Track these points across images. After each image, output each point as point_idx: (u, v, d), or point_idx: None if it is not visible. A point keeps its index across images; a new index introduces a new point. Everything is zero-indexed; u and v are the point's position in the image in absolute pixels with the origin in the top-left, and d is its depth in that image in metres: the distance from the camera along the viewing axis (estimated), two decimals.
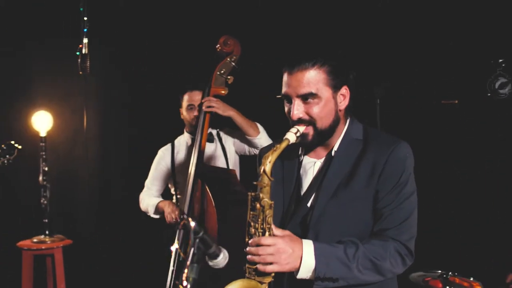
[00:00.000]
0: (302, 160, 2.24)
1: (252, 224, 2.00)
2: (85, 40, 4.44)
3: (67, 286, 5.07)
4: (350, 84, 2.14)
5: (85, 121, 4.80)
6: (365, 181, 2.06)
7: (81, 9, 4.44)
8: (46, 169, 5.03)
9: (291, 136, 2.03)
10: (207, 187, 3.36)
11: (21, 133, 5.27)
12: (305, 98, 2.05)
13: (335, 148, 2.16)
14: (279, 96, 4.30)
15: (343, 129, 2.18)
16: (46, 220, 5.03)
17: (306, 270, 1.95)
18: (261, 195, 1.98)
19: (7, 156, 4.45)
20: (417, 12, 4.42)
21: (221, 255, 1.95)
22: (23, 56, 5.41)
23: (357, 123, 2.22)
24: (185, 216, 1.75)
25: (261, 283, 2.00)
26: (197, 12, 5.13)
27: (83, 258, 5.44)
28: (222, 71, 3.79)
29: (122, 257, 5.44)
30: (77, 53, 4.47)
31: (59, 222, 5.29)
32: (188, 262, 1.79)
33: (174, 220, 3.70)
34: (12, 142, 4.48)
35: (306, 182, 2.19)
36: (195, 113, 3.93)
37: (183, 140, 4.19)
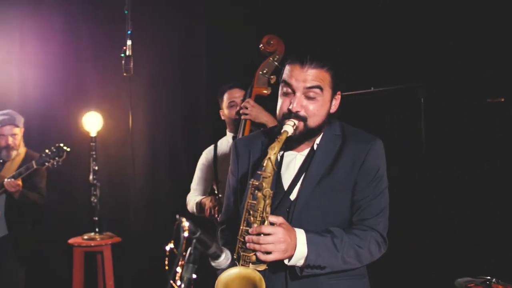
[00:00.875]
0: (283, 154, 2.32)
1: (251, 212, 2.07)
2: (129, 42, 4.53)
3: (116, 282, 5.20)
4: (342, 91, 2.30)
5: (131, 121, 4.89)
6: (346, 172, 2.20)
7: (126, 11, 4.53)
8: (96, 168, 5.18)
9: (289, 129, 2.13)
10: None
11: (73, 133, 5.44)
12: (309, 93, 2.16)
13: (317, 141, 2.28)
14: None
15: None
16: (96, 218, 5.18)
17: (298, 258, 2.07)
18: (263, 184, 2.03)
19: (57, 158, 4.62)
20: (462, 10, 4.28)
21: (223, 256, 1.94)
22: (74, 58, 5.57)
23: (334, 120, 2.34)
24: (178, 217, 1.74)
25: (257, 270, 2.05)
26: (239, 12, 5.14)
27: (132, 255, 5.54)
28: (265, 71, 3.77)
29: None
30: (122, 55, 4.56)
31: (109, 220, 5.41)
32: (183, 262, 1.79)
33: (213, 214, 3.74)
34: (61, 144, 4.65)
35: (288, 176, 2.28)
36: (237, 109, 3.94)
37: (225, 141, 4.20)
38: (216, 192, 4.24)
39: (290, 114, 2.16)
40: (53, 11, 5.57)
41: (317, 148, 2.26)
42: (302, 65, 2.15)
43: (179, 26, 5.50)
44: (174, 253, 1.82)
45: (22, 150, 4.83)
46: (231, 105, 4.00)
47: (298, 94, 2.15)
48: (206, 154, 4.23)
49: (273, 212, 2.18)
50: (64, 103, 5.53)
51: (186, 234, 1.78)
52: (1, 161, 4.73)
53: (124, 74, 4.58)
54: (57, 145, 4.68)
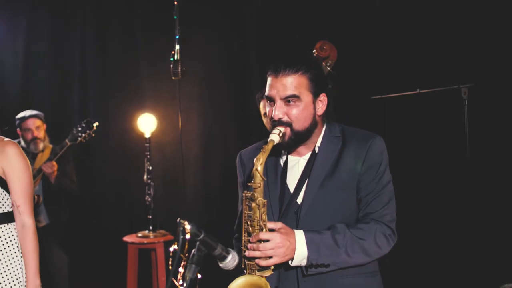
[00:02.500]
0: (287, 160, 2.36)
1: (249, 222, 2.13)
2: (177, 47, 4.65)
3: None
4: (328, 93, 2.31)
5: (180, 123, 5.00)
6: (349, 171, 2.24)
7: (175, 17, 4.66)
8: (150, 168, 5.34)
9: (275, 137, 2.17)
10: None
11: (128, 135, 5.65)
12: (288, 100, 2.19)
13: (318, 144, 2.32)
14: (376, 97, 4.25)
15: (322, 129, 2.35)
16: (150, 217, 5.34)
17: (300, 258, 2.11)
18: (255, 194, 2.10)
19: (88, 131, 4.81)
20: (507, 10, 4.19)
21: (229, 257, 2.02)
22: (131, 62, 5.79)
23: (333, 123, 2.38)
24: (180, 220, 1.83)
25: (263, 277, 2.11)
26: (291, 17, 5.19)
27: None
28: None
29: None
30: (171, 59, 4.69)
31: (163, 219, 5.57)
32: (185, 262, 1.88)
33: None
34: (89, 119, 4.86)
35: (292, 180, 2.32)
36: None
37: None
38: None
39: (274, 122, 2.21)
40: (110, 19, 5.84)
41: (318, 151, 2.30)
42: (276, 75, 2.20)
43: (229, 27, 5.62)
44: (178, 254, 1.92)
45: (48, 145, 5.02)
46: (265, 115, 4.06)
47: (277, 102, 2.20)
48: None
49: (281, 216, 2.27)
50: (121, 106, 5.75)
51: (188, 236, 1.87)
52: (30, 154, 4.90)
53: (173, 78, 4.70)
54: (86, 119, 4.88)
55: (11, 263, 3.03)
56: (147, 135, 5.40)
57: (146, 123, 5.42)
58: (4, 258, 3.02)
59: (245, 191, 2.15)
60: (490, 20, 4.27)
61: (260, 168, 2.09)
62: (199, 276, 1.91)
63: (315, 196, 2.23)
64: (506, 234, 4.16)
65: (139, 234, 5.33)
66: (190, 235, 1.87)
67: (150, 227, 5.34)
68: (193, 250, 1.92)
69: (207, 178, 5.81)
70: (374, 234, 2.18)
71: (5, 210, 3.05)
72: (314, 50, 3.78)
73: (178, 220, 1.85)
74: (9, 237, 3.05)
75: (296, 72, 2.18)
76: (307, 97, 2.21)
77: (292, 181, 2.32)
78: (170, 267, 1.87)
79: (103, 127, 5.71)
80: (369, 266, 2.26)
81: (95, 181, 5.92)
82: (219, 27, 5.65)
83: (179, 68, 4.64)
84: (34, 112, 4.93)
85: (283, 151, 2.36)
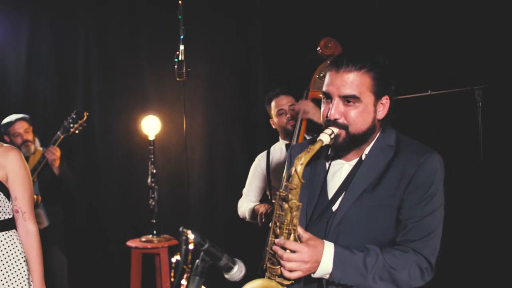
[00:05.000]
0: (330, 163, 2.20)
1: (278, 224, 2.00)
2: (182, 47, 4.57)
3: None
4: (391, 95, 2.11)
5: (185, 125, 4.92)
6: (391, 188, 2.04)
7: (179, 16, 4.57)
8: (155, 171, 5.24)
9: (325, 138, 2.00)
10: None
11: (132, 137, 5.56)
12: (347, 100, 2.02)
13: (366, 151, 2.13)
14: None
15: (376, 135, 2.14)
16: (154, 221, 5.24)
17: (323, 271, 1.98)
18: (289, 195, 1.96)
19: (79, 121, 4.72)
20: None
21: (236, 268, 1.91)
22: (132, 64, 5.69)
23: (390, 129, 2.17)
24: (184, 229, 1.72)
25: (282, 284, 2.02)
26: (296, 13, 5.09)
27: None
28: (322, 74, 3.71)
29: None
30: (175, 59, 4.60)
31: (167, 223, 5.47)
32: (189, 274, 1.77)
33: (264, 221, 3.72)
34: (79, 110, 4.78)
35: (333, 185, 2.16)
36: (288, 116, 3.91)
37: (278, 147, 4.17)
38: (269, 198, 4.20)
39: (329, 122, 2.04)
40: (113, 20, 5.74)
41: (365, 159, 2.12)
42: (337, 70, 2.02)
43: (234, 28, 5.51)
44: (181, 265, 1.82)
45: (38, 148, 4.93)
46: (279, 113, 3.97)
47: (335, 100, 2.03)
48: (259, 161, 4.20)
49: (313, 222, 2.13)
50: (124, 108, 5.66)
51: (191, 246, 1.76)
52: None
53: (177, 79, 4.61)
54: (76, 110, 4.79)
55: (15, 271, 2.95)
56: (151, 137, 5.31)
57: (150, 126, 5.33)
58: (9, 266, 2.94)
59: (280, 190, 1.99)
60: (505, 19, 4.17)
61: (299, 168, 1.93)
62: None
63: (350, 207, 2.06)
64: None
65: (143, 239, 5.24)
66: (194, 245, 1.75)
67: (154, 232, 5.24)
68: (197, 261, 1.80)
69: (212, 181, 5.69)
70: (410, 267, 1.99)
71: (6, 217, 2.97)
72: (319, 48, 3.70)
73: (180, 229, 1.73)
74: (11, 244, 2.96)
75: (360, 69, 2.00)
76: (368, 98, 2.03)
77: (332, 187, 2.16)
78: (172, 279, 1.76)
79: (107, 129, 5.63)
80: None
81: (99, 184, 5.83)
82: (223, 27, 5.54)
83: (184, 69, 4.55)
84: (19, 115, 4.85)
85: (329, 153, 2.21)
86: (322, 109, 2.11)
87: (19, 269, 2.96)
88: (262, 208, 3.88)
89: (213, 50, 5.58)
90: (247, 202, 4.17)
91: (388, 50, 4.57)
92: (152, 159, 5.25)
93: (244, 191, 4.24)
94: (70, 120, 4.73)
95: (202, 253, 1.80)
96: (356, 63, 2.00)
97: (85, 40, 5.85)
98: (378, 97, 2.06)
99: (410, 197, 2.02)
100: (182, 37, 4.58)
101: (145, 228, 5.30)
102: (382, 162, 2.09)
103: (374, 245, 2.01)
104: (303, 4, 5.04)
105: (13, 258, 2.96)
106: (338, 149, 2.13)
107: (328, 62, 3.69)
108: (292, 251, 1.94)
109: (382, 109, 2.09)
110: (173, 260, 1.78)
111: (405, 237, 2.02)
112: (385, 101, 2.09)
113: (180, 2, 4.53)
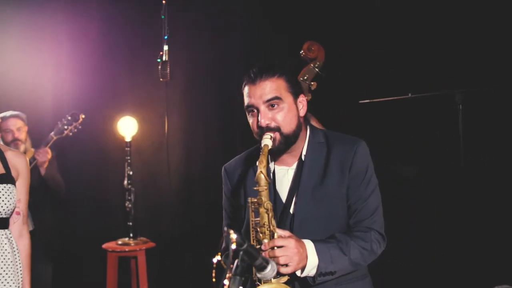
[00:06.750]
0: (273, 170, 2.34)
1: (258, 229, 2.12)
2: (166, 47, 4.53)
3: None
4: (305, 94, 2.40)
5: (166, 126, 4.88)
6: (337, 179, 2.25)
7: (162, 16, 4.54)
8: (131, 173, 5.18)
9: (268, 142, 2.15)
10: None
11: (107, 138, 5.46)
12: (271, 104, 2.18)
13: (304, 152, 2.31)
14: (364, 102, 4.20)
15: (306, 135, 2.34)
16: (131, 223, 5.18)
17: (310, 268, 2.11)
18: (262, 198, 2.09)
19: (74, 123, 4.65)
20: (499, 15, 4.21)
21: (269, 267, 1.91)
22: (108, 63, 5.59)
23: (315, 128, 2.40)
24: (225, 229, 1.72)
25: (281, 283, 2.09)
26: (275, 17, 5.10)
27: (166, 261, 5.54)
28: (305, 77, 3.75)
29: (204, 261, 5.48)
30: (158, 60, 4.56)
31: (144, 225, 5.41)
32: (230, 274, 1.76)
33: None
34: (75, 112, 4.70)
35: (283, 190, 2.32)
36: None
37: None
38: None
39: (262, 130, 2.18)
40: (89, 17, 5.61)
41: (305, 158, 2.30)
42: (253, 82, 2.19)
43: (215, 31, 5.48)
44: (221, 265, 1.81)
45: (30, 149, 4.74)
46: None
47: (261, 108, 2.18)
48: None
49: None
50: (99, 108, 5.54)
51: (234, 246, 1.76)
52: None
53: (161, 79, 4.56)
54: (72, 112, 4.71)
55: (10, 270, 2.94)
56: (128, 139, 5.24)
57: (127, 127, 5.26)
58: (5, 265, 2.91)
59: (250, 198, 2.14)
60: (485, 23, 4.27)
61: (263, 170, 2.07)
62: None
63: (307, 205, 2.25)
64: (499, 239, 4.17)
65: (119, 242, 5.18)
66: (236, 245, 1.74)
67: (131, 234, 5.18)
68: (236, 261, 1.79)
69: (190, 183, 5.64)
70: (371, 241, 2.22)
71: (4, 216, 2.96)
72: (302, 51, 3.74)
73: (225, 228, 1.73)
74: (5, 244, 2.92)
75: (273, 76, 2.19)
76: (288, 98, 2.22)
77: (283, 192, 2.32)
78: (213, 279, 1.75)
79: (81, 130, 5.50)
80: (360, 270, 2.30)
81: (73, 186, 5.68)
82: (206, 28, 5.50)
83: (168, 70, 4.52)
84: (15, 112, 4.63)
85: (269, 161, 2.33)
86: (251, 122, 2.25)
87: (13, 269, 2.97)
88: None
89: (193, 53, 5.52)
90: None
91: (368, 53, 4.65)
92: (129, 161, 5.20)
93: None
94: (65, 122, 4.65)
95: (241, 253, 1.78)
96: (268, 72, 2.20)
97: (56, 35, 5.58)
98: (295, 96, 2.25)
99: (353, 182, 2.24)
100: (166, 37, 4.54)
101: (121, 231, 5.24)
102: (320, 158, 2.28)
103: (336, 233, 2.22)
104: (289, 5, 5.04)
105: (5, 259, 2.95)
106: (278, 153, 2.27)
107: (311, 65, 3.75)
108: (280, 247, 2.04)
109: (302, 107, 2.28)
110: (214, 260, 1.77)
111: (357, 218, 2.25)
112: (302, 99, 2.29)
113: (164, 1, 4.48)
